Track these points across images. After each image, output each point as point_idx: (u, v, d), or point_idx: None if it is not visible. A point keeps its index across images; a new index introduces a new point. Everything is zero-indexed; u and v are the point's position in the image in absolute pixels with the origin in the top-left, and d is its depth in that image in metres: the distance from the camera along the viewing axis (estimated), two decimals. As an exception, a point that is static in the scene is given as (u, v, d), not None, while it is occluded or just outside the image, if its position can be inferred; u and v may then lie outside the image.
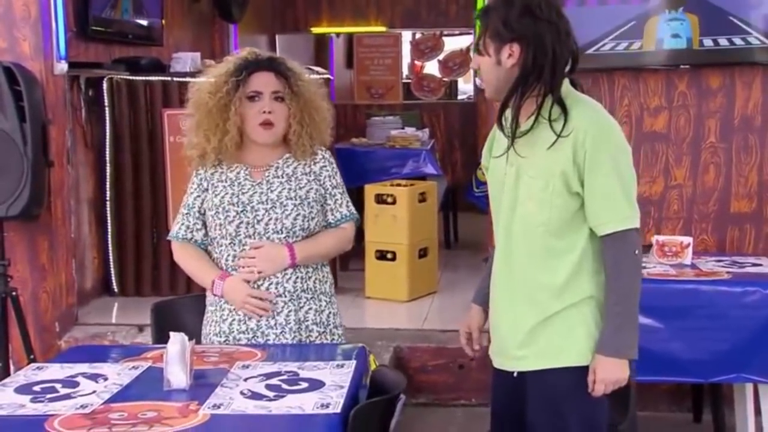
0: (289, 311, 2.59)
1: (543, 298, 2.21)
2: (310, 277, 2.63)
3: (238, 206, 2.57)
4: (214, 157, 2.61)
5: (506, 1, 2.18)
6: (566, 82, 2.20)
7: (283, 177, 2.61)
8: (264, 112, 2.55)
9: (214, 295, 2.62)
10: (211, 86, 2.58)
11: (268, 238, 2.57)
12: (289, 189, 2.60)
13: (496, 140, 2.33)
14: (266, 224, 2.56)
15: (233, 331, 2.60)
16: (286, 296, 2.59)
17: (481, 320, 2.46)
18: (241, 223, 2.57)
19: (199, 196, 2.64)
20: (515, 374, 2.28)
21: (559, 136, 2.12)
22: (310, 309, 2.62)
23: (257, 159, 2.63)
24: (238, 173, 2.62)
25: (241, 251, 2.58)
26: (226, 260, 2.61)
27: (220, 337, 2.61)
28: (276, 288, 2.58)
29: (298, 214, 2.58)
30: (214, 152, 2.59)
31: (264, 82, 2.57)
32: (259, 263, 2.56)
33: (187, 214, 2.66)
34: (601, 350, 2.15)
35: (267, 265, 2.56)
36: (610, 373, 2.15)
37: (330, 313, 2.68)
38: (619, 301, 2.15)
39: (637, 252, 2.17)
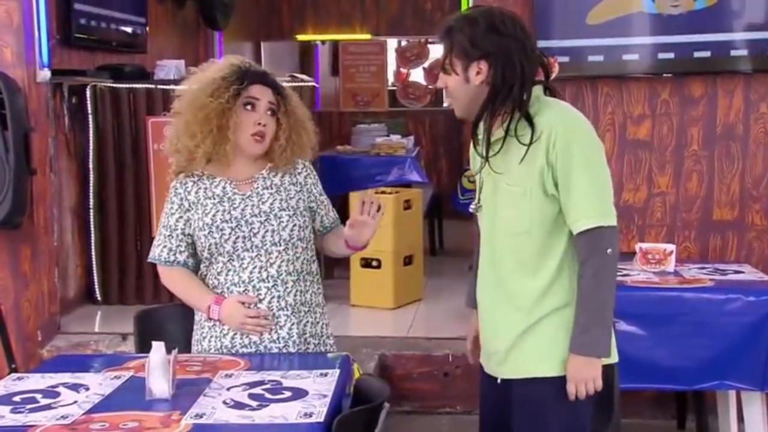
0: (291, 324, 2.57)
1: (526, 305, 2.21)
2: (307, 290, 2.62)
3: (231, 222, 2.53)
4: (204, 162, 2.54)
5: (469, 19, 2.18)
6: (538, 90, 2.20)
7: (272, 188, 2.59)
8: (259, 123, 2.52)
9: (211, 320, 2.58)
10: (211, 89, 2.51)
11: (266, 251, 2.54)
12: (281, 200, 2.57)
13: (473, 156, 2.33)
14: (263, 237, 2.54)
15: (235, 345, 2.56)
16: (287, 310, 2.56)
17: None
18: (237, 238, 2.53)
19: (181, 217, 2.57)
20: (499, 381, 2.29)
21: (530, 145, 2.12)
22: (308, 322, 2.61)
23: (240, 171, 2.59)
24: (224, 188, 2.57)
25: (240, 265, 2.53)
26: (226, 276, 2.56)
27: (222, 352, 2.56)
28: (278, 302, 2.56)
29: (294, 225, 2.56)
30: (205, 156, 2.52)
31: (262, 91, 2.55)
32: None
33: (169, 236, 2.59)
34: (571, 348, 2.15)
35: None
36: (580, 372, 2.13)
37: (323, 324, 2.68)
38: (589, 298, 2.12)
39: (610, 250, 2.12)
